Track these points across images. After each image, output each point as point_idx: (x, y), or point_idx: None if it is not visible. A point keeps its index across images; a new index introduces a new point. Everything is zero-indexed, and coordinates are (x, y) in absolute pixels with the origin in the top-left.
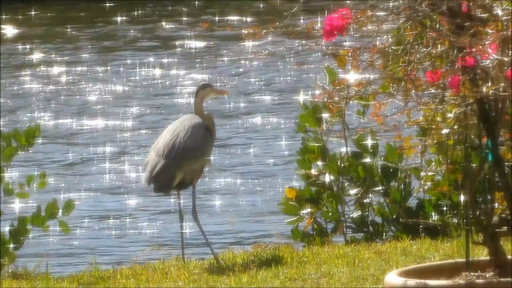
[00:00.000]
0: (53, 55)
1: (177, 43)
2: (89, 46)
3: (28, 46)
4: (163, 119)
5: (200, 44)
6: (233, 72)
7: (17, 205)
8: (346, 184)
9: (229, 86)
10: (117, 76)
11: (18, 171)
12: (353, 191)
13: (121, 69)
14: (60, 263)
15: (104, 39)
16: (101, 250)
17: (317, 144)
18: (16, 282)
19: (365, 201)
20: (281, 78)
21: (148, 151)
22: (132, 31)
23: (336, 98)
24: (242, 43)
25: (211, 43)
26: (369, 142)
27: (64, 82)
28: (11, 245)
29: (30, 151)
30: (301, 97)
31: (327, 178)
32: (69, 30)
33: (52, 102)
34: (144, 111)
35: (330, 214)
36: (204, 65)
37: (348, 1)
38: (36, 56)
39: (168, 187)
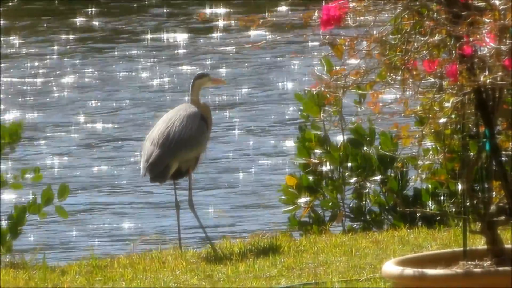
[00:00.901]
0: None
1: (153, 36)
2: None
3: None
4: (147, 113)
5: (180, 36)
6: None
7: (10, 197)
8: (346, 174)
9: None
10: (100, 68)
11: (10, 160)
12: (351, 180)
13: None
14: (57, 252)
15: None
16: (97, 240)
17: (317, 133)
18: (13, 271)
19: (363, 190)
20: (275, 69)
21: (138, 142)
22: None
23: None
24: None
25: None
26: (366, 131)
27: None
28: (8, 235)
29: (16, 149)
30: (298, 88)
31: (326, 166)
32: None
33: (28, 95)
34: (126, 105)
35: (330, 204)
36: (190, 58)
37: None
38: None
39: (163, 176)
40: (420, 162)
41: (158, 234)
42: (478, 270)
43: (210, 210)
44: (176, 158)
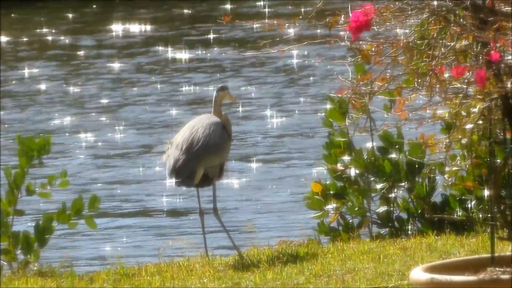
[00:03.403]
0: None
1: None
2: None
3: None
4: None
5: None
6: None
7: (39, 204)
8: (372, 179)
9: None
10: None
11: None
12: (378, 186)
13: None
14: (84, 260)
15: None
16: (124, 248)
17: (343, 139)
18: (41, 280)
19: (390, 196)
20: (302, 73)
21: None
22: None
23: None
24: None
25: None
26: (395, 137)
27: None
28: (36, 243)
29: (44, 161)
30: (326, 93)
31: (353, 173)
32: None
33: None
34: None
35: (356, 209)
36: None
37: None
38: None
39: (190, 181)
40: (447, 169)
41: (184, 238)
42: (505, 276)
43: (238, 217)
44: (201, 164)
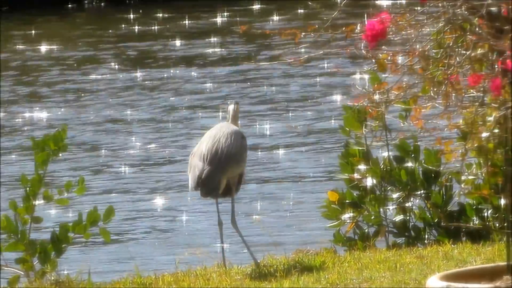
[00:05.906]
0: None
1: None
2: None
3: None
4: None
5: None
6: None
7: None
8: (389, 188)
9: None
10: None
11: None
12: (395, 195)
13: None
14: (102, 270)
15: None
16: (142, 256)
17: (359, 148)
18: None
19: (406, 205)
20: (318, 80)
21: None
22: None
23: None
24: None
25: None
26: (411, 146)
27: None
28: (53, 252)
29: (60, 155)
30: (343, 101)
31: (370, 182)
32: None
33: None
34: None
35: (372, 217)
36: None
37: (388, 1)
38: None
39: (216, 191)
40: (463, 177)
41: (201, 247)
42: None
43: (253, 226)
44: (226, 174)
